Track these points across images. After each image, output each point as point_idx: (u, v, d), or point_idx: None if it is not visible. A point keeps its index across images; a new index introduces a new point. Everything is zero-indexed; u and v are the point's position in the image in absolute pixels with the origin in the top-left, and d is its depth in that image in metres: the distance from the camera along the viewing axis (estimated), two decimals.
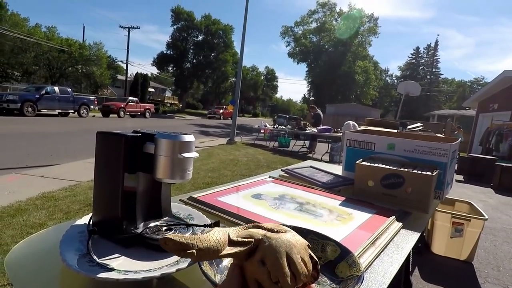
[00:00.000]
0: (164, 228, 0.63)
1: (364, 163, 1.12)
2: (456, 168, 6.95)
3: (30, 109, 12.00)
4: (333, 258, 0.56)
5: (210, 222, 0.67)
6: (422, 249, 2.45)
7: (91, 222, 0.64)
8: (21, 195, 2.90)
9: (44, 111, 12.95)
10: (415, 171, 1.02)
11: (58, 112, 13.74)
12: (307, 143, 8.63)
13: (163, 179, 0.60)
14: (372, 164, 1.10)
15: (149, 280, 0.52)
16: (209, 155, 6.13)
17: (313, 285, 0.48)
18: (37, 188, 3.14)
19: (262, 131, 10.10)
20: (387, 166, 1.07)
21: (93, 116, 16.23)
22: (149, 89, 32.87)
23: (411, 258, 1.42)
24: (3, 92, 12.74)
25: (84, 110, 14.81)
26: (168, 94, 40.25)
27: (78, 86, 24.46)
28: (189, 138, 0.62)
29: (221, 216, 0.81)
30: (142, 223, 0.64)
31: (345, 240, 0.70)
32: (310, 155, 7.77)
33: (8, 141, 5.88)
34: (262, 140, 9.87)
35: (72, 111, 14.19)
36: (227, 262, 0.56)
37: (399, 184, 1.02)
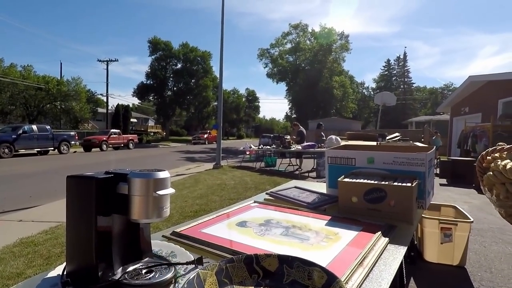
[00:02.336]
0: (144, 271, 0.60)
1: (346, 179, 1.13)
2: (438, 171, 7.13)
3: (6, 150, 11.58)
4: (320, 286, 0.55)
5: (193, 259, 0.65)
6: (415, 258, 2.44)
7: (64, 273, 0.60)
8: None
9: (22, 151, 12.52)
10: (395, 183, 1.04)
11: (37, 150, 13.32)
12: (293, 160, 8.68)
13: (139, 220, 0.58)
14: (353, 180, 1.11)
15: None
16: (196, 182, 6.03)
17: None
18: (15, 234, 2.96)
19: (247, 152, 10.10)
20: (368, 181, 1.08)
21: (75, 151, 15.81)
22: (131, 120, 32.56)
23: (404, 270, 1.41)
24: None
25: (65, 147, 14.42)
26: (151, 123, 39.94)
27: (57, 123, 23.88)
28: (163, 174, 0.60)
29: (205, 250, 0.78)
30: (120, 268, 0.61)
31: (333, 262, 0.69)
32: (297, 172, 7.79)
33: None
34: (248, 161, 9.85)
35: (52, 148, 13.78)
36: None
37: (381, 198, 1.03)
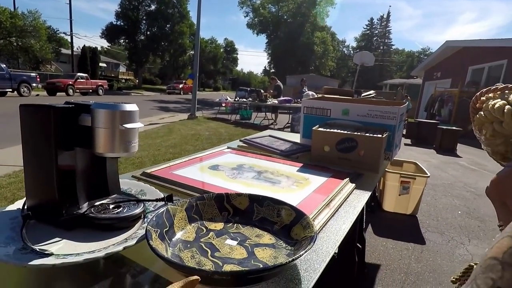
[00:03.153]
0: (111, 206, 0.59)
1: (320, 129, 1.14)
2: (404, 132, 7.52)
3: None
4: (289, 222, 0.57)
5: (163, 196, 0.64)
6: (375, 207, 2.67)
7: (25, 207, 0.57)
8: None
9: None
10: (367, 134, 1.06)
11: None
12: (269, 114, 8.69)
13: (104, 154, 0.54)
14: (327, 130, 1.13)
15: (96, 262, 0.48)
16: (170, 131, 5.91)
17: (269, 250, 0.48)
18: None
19: (223, 104, 9.93)
20: (342, 131, 1.10)
21: (37, 95, 14.61)
22: (100, 64, 30.10)
23: (364, 216, 1.54)
24: None
25: (25, 89, 13.22)
26: (122, 69, 37.30)
27: (15, 62, 21.55)
28: (131, 107, 0.56)
29: (176, 190, 0.78)
30: (86, 203, 0.59)
31: (302, 203, 0.71)
32: (272, 126, 7.86)
33: None
34: (224, 114, 9.73)
35: (10, 89, 12.60)
36: (180, 235, 0.54)
37: (352, 147, 1.06)
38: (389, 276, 1.73)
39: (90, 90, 17.56)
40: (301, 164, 1.04)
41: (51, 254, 0.45)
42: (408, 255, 1.98)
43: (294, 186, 0.83)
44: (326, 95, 1.89)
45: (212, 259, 0.47)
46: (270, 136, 1.45)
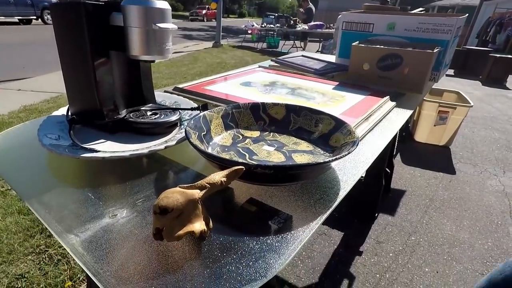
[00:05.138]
0: (149, 113, 0.59)
1: (361, 45, 1.04)
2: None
3: None
4: (327, 131, 0.55)
5: (198, 105, 0.64)
6: (405, 138, 2.59)
7: (69, 113, 0.59)
8: (1, 109, 2.79)
9: (2, 18, 11.41)
10: (415, 50, 0.95)
11: (18, 19, 12.12)
12: (297, 42, 8.13)
13: (139, 56, 0.53)
14: (369, 46, 1.02)
15: (140, 160, 0.51)
16: (195, 59, 5.79)
17: (307, 155, 0.47)
18: (17, 102, 3.00)
19: (249, 31, 9.34)
20: (385, 47, 0.99)
21: None
22: None
23: (396, 143, 1.50)
24: None
25: (49, 16, 13.08)
26: None
27: None
28: (163, 4, 0.51)
29: (209, 103, 0.77)
30: (125, 110, 0.60)
31: (339, 116, 0.68)
32: None
33: None
34: (250, 41, 9.22)
35: (35, 17, 12.52)
36: (217, 140, 0.54)
37: (396, 64, 0.97)
38: (413, 201, 1.77)
39: None
40: (337, 83, 0.98)
41: (99, 151, 0.47)
42: (435, 184, 1.97)
43: (330, 102, 0.79)
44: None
45: (250, 161, 0.48)
46: (303, 56, 1.36)
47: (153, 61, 0.57)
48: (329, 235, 1.44)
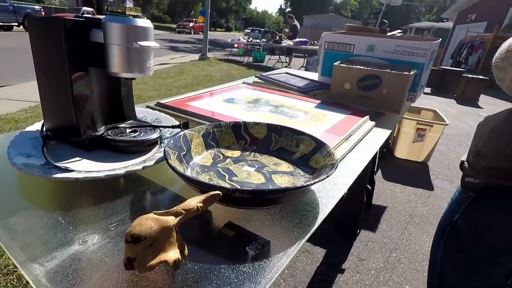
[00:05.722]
0: (128, 130, 0.58)
1: (342, 65, 1.07)
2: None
3: None
4: (308, 152, 0.56)
5: (179, 123, 0.63)
6: (386, 154, 2.66)
7: (44, 129, 0.57)
8: None
9: None
10: (393, 71, 0.99)
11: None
12: (282, 57, 8.30)
13: (119, 73, 0.52)
14: (350, 66, 1.05)
15: (117, 180, 0.49)
16: (181, 72, 5.78)
17: (287, 177, 0.47)
18: None
19: (236, 45, 9.47)
20: (365, 68, 1.03)
21: None
22: None
23: (376, 160, 1.54)
24: None
25: None
26: (129, 4, 35.12)
27: None
28: (145, 23, 0.51)
29: (191, 120, 0.76)
30: (103, 127, 0.58)
31: (320, 136, 0.69)
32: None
33: None
34: (236, 55, 9.34)
35: (16, 23, 12.21)
36: (197, 160, 0.53)
37: (375, 85, 1.00)
38: (394, 217, 1.80)
39: None
40: (319, 101, 1.00)
41: (72, 171, 0.45)
42: (415, 199, 2.02)
43: (312, 121, 0.80)
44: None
45: (230, 182, 0.47)
46: (286, 73, 1.38)
47: (134, 79, 0.56)
48: (312, 252, 1.43)
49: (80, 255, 0.32)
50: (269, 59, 8.47)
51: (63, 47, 0.48)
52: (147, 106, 0.84)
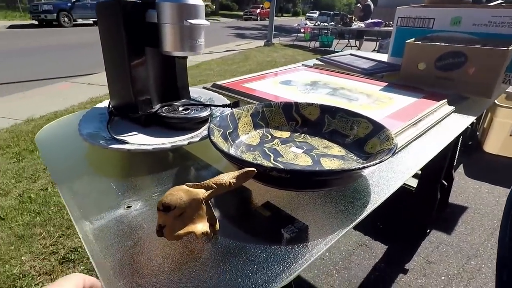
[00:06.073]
0: (181, 108, 0.60)
1: (417, 42, 0.93)
2: None
3: (66, 19, 11.87)
4: (363, 135, 0.50)
5: (230, 103, 0.63)
6: (472, 147, 2.30)
7: (111, 106, 0.63)
8: (73, 100, 3.16)
9: (80, 21, 12.80)
10: (483, 47, 0.82)
11: (93, 21, 13.50)
12: (352, 41, 7.76)
13: (171, 52, 0.53)
14: (426, 43, 0.91)
15: (166, 154, 0.51)
16: (246, 58, 5.88)
17: (337, 161, 0.43)
18: (86, 94, 3.37)
19: (302, 30, 9.20)
20: (446, 44, 0.88)
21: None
22: None
23: (457, 152, 1.33)
24: (38, 2, 12.54)
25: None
26: None
27: None
28: (195, 1, 0.51)
29: (245, 101, 0.76)
30: (159, 105, 0.61)
31: (381, 119, 0.62)
32: None
33: (53, 53, 6.13)
34: (303, 40, 9.07)
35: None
36: (244, 139, 0.52)
37: (458, 64, 0.85)
38: (476, 220, 1.55)
39: None
40: (386, 84, 0.89)
41: (128, 143, 0.49)
42: None
43: (374, 104, 0.72)
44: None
45: (274, 163, 0.45)
46: (351, 55, 1.27)
47: (186, 57, 0.57)
48: (371, 247, 1.33)
49: (123, 218, 0.34)
50: (337, 43, 8.03)
51: (121, 28, 0.51)
52: (203, 87, 0.86)
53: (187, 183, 0.31)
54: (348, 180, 0.39)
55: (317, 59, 1.23)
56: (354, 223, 0.33)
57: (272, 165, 0.43)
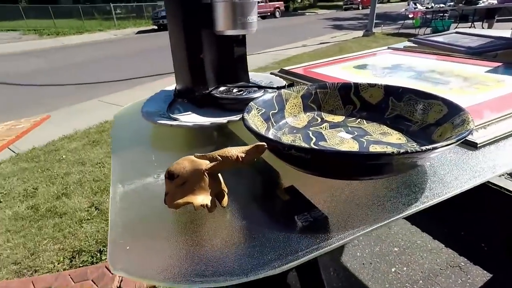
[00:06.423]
0: (235, 90, 0.60)
1: None
2: None
3: None
4: (434, 121, 0.40)
5: (284, 85, 0.60)
6: None
7: (175, 88, 0.68)
8: None
9: None
10: None
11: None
12: (478, 25, 6.41)
13: (223, 31, 0.54)
14: None
15: (210, 131, 0.53)
16: (340, 50, 5.59)
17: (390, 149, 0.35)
18: None
19: (410, 15, 8.10)
20: None
21: None
22: None
23: None
24: (158, 10, 14.75)
25: None
26: None
27: None
28: None
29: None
30: (214, 87, 0.63)
31: (472, 107, 0.48)
32: None
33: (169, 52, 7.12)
34: (411, 27, 7.99)
35: None
36: (290, 121, 0.49)
37: None
38: None
39: (269, 13, 18.40)
40: (499, 64, 0.70)
41: (176, 120, 0.51)
42: None
43: (471, 89, 0.57)
44: None
45: (313, 146, 0.40)
46: (457, 33, 1.04)
47: (238, 37, 0.57)
48: (467, 272, 1.09)
49: (149, 185, 0.36)
50: (456, 27, 6.78)
51: (179, 9, 0.54)
52: (271, 73, 0.85)
53: (196, 154, 0.30)
54: (388, 170, 0.31)
55: (408, 40, 1.05)
56: (383, 223, 0.27)
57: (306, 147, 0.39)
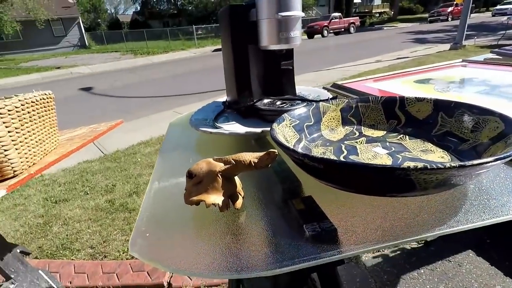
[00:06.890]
0: (278, 102, 0.62)
1: None
2: None
3: None
4: (487, 139, 0.35)
5: (328, 98, 0.59)
6: None
7: (226, 100, 0.73)
8: None
9: None
10: None
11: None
12: None
13: (267, 46, 0.56)
14: None
15: (247, 140, 0.55)
16: (418, 65, 5.11)
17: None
18: None
19: None
20: None
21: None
22: (355, 1, 30.00)
23: None
24: (196, 26, 15.64)
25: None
26: (377, 2, 35.24)
27: None
28: None
29: None
30: (259, 99, 0.66)
31: None
32: None
33: None
34: None
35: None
36: (325, 134, 0.48)
37: None
38: None
39: (343, 29, 17.96)
40: None
41: (218, 128, 0.55)
42: None
43: None
44: None
45: (342, 160, 0.39)
46: None
47: (282, 51, 0.58)
48: None
49: (180, 184, 0.40)
50: None
51: (228, 27, 0.58)
52: (323, 87, 0.84)
53: (214, 157, 0.33)
54: (410, 186, 0.28)
55: (491, 51, 0.92)
56: (399, 241, 0.24)
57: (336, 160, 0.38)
